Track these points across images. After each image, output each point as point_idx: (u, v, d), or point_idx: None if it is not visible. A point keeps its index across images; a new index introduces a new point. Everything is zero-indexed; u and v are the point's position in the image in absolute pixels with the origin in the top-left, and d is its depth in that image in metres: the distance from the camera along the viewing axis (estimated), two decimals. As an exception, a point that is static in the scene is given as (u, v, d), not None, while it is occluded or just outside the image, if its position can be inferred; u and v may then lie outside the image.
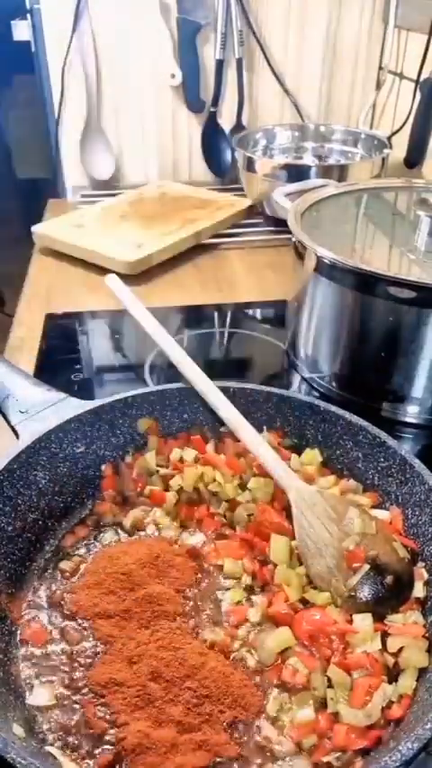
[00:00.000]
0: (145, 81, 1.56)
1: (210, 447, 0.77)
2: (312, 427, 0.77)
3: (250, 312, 1.21)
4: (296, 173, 1.34)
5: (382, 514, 0.69)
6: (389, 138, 1.49)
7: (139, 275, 1.26)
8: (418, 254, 0.90)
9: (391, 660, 0.57)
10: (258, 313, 1.22)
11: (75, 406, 0.74)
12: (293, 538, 0.67)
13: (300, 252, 0.94)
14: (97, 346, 1.12)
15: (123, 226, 1.39)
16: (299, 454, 0.76)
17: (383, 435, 0.71)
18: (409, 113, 1.44)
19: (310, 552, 0.64)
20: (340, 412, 0.75)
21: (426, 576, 0.62)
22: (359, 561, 0.63)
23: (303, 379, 1.01)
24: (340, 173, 1.33)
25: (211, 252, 1.39)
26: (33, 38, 1.52)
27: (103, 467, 0.76)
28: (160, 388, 0.79)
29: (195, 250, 1.37)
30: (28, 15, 1.50)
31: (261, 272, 1.32)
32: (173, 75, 1.55)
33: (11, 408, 0.72)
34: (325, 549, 0.64)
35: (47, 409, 0.73)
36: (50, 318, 1.15)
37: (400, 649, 0.57)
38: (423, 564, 0.63)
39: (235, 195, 1.53)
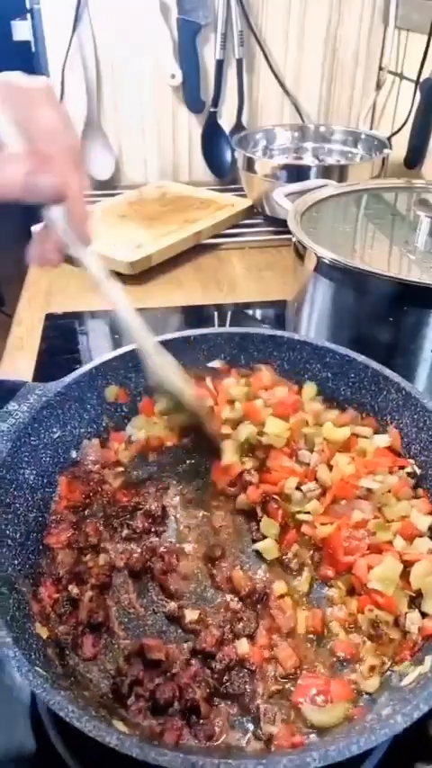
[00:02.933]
0: (145, 81, 1.56)
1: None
2: (278, 358, 0.80)
3: (250, 312, 1.21)
4: (296, 173, 1.34)
5: (381, 440, 0.72)
6: (389, 139, 1.49)
7: (139, 275, 1.26)
8: (418, 254, 0.90)
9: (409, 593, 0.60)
10: (258, 313, 1.22)
11: (38, 392, 0.72)
12: (302, 481, 0.69)
13: (300, 252, 0.94)
14: (97, 346, 1.12)
15: (123, 226, 1.39)
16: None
17: (352, 354, 0.75)
18: (409, 114, 1.44)
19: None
20: (304, 338, 0.79)
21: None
22: None
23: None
24: (340, 173, 1.33)
25: (211, 252, 1.39)
26: (33, 38, 1.52)
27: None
28: (119, 352, 0.78)
29: (195, 250, 1.37)
30: (28, 15, 1.50)
31: (261, 272, 1.32)
32: (173, 76, 1.55)
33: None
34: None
35: (11, 403, 0.70)
36: (50, 318, 1.15)
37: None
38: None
39: (235, 195, 1.53)
